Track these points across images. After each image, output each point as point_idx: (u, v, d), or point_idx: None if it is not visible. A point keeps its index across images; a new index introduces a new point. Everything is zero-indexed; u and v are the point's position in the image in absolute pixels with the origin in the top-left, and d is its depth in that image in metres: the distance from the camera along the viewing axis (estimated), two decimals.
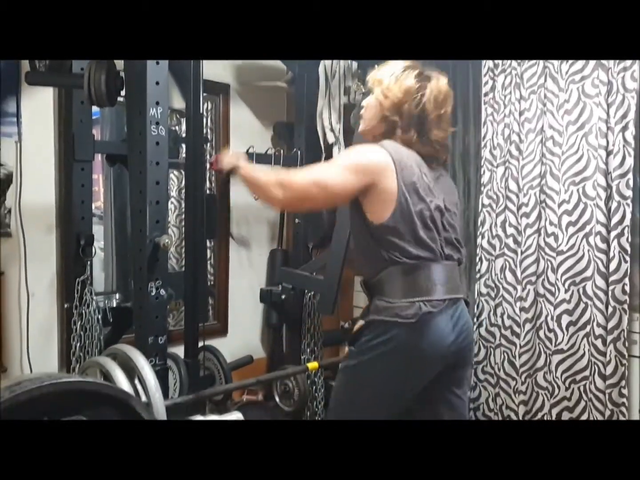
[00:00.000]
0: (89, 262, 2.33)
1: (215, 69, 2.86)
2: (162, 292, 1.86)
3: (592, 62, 2.41)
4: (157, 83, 1.68)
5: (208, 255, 3.22)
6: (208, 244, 3.14)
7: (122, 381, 1.58)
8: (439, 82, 1.70)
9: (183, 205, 3.07)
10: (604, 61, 2.39)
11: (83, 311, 2.30)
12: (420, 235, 1.59)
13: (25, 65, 2.14)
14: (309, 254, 3.10)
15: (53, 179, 2.41)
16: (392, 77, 1.66)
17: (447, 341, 1.59)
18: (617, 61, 2.33)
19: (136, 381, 1.63)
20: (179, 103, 2.70)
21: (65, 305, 2.36)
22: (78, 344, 2.31)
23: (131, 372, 1.65)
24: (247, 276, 3.25)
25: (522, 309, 2.62)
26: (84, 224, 2.32)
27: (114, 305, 2.72)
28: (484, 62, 2.78)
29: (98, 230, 2.80)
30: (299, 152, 2.98)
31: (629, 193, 2.32)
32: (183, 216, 3.09)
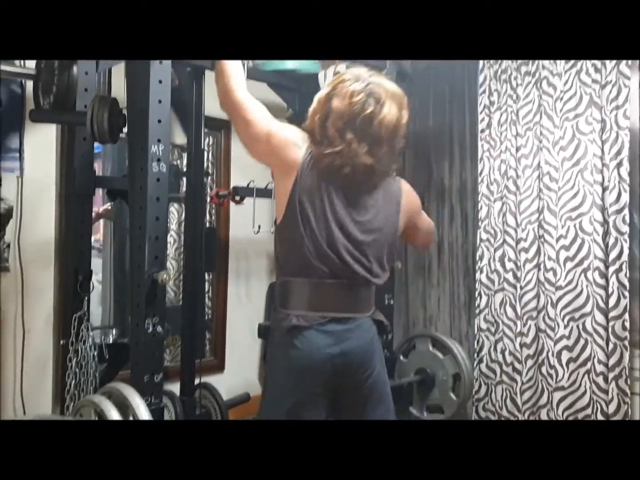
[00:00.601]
0: (86, 298, 2.31)
1: (217, 105, 2.89)
2: (159, 328, 1.84)
3: (585, 100, 2.46)
4: (159, 121, 1.70)
5: (206, 289, 3.21)
6: (207, 277, 3.14)
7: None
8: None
9: (182, 238, 3.07)
10: (596, 99, 2.43)
11: (79, 348, 2.27)
12: (307, 253, 1.56)
13: (29, 101, 2.17)
14: None
15: (53, 214, 2.41)
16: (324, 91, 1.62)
17: (321, 356, 1.56)
18: (610, 100, 2.37)
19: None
20: (180, 138, 2.72)
21: (61, 342, 2.34)
22: (73, 382, 2.27)
23: (126, 411, 1.62)
24: (245, 311, 3.23)
25: (523, 345, 2.61)
26: (82, 259, 2.31)
27: (111, 341, 2.70)
28: (480, 99, 2.83)
29: (97, 263, 2.80)
30: None
31: (625, 229, 2.34)
32: (182, 249, 3.09)
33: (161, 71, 1.69)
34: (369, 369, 1.65)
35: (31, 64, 2.13)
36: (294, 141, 1.59)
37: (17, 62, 2.15)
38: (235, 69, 1.67)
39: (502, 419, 2.67)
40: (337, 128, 1.53)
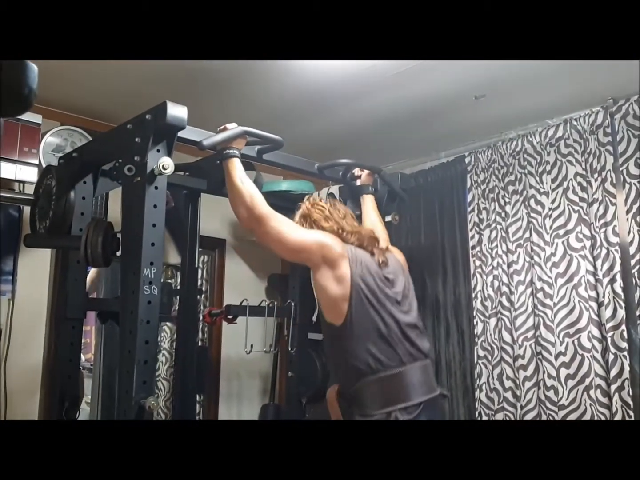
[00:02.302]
0: None
1: (211, 225, 2.96)
2: None
3: (574, 218, 2.51)
4: (153, 244, 1.71)
5: (197, 411, 3.10)
6: (197, 398, 3.04)
7: None
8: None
9: (174, 357, 3.01)
10: (585, 216, 2.48)
11: None
12: (382, 331, 1.61)
13: (25, 225, 2.20)
14: (303, 409, 2.98)
15: (43, 337, 2.38)
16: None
17: None
18: (598, 217, 2.43)
19: None
20: (174, 258, 2.75)
21: None
22: None
23: None
24: None
25: None
26: (69, 383, 2.24)
27: None
28: (469, 217, 2.89)
29: (87, 383, 2.72)
30: (292, 303, 2.98)
31: (624, 345, 2.30)
32: (174, 369, 3.03)
33: (156, 196, 1.73)
34: None
35: (30, 189, 2.19)
36: (334, 237, 1.73)
37: (16, 187, 2.22)
38: (250, 185, 1.72)
39: None
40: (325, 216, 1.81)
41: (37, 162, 2.25)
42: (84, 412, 2.71)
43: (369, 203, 2.29)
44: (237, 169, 1.74)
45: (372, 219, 2.24)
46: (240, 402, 3.17)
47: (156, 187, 1.72)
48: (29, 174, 2.21)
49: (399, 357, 1.61)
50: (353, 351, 1.62)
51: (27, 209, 2.24)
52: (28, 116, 2.20)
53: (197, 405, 3.09)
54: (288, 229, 1.69)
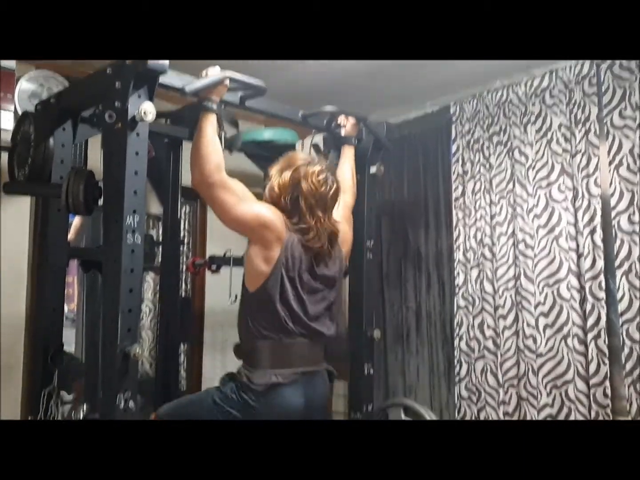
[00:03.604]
0: (56, 372, 2.23)
1: None
2: (132, 404, 1.77)
3: (557, 169, 2.52)
4: (135, 192, 1.68)
5: (181, 360, 3.13)
6: (181, 347, 3.07)
7: None
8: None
9: (158, 307, 3.02)
10: (567, 168, 2.49)
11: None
12: (280, 312, 1.75)
13: (4, 174, 2.15)
14: None
15: (25, 286, 2.36)
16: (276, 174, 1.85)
17: (296, 410, 1.76)
18: (581, 168, 2.44)
19: None
20: (156, 208, 2.72)
21: (29, 418, 2.24)
22: None
23: None
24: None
25: (505, 414, 2.56)
26: (54, 331, 2.24)
27: (81, 417, 2.59)
28: (453, 168, 2.89)
29: (70, 334, 2.72)
30: None
31: (602, 295, 2.35)
32: (157, 319, 3.04)
33: (138, 143, 1.69)
34: (324, 412, 1.94)
35: (7, 136, 2.13)
36: (281, 219, 1.77)
37: None
38: (213, 150, 1.71)
39: None
40: (309, 206, 1.77)
41: (12, 108, 2.18)
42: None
43: (347, 154, 2.30)
44: (209, 126, 1.72)
45: (345, 171, 2.25)
46: (224, 352, 3.19)
47: (138, 134, 1.69)
48: (5, 120, 2.15)
49: (292, 333, 1.78)
50: (254, 317, 1.79)
51: (4, 156, 2.18)
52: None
53: (182, 355, 3.12)
54: (232, 202, 1.73)
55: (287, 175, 1.81)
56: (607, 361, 2.31)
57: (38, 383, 2.23)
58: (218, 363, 3.18)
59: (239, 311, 1.89)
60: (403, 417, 2.51)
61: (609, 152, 2.38)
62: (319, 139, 2.65)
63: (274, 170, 1.87)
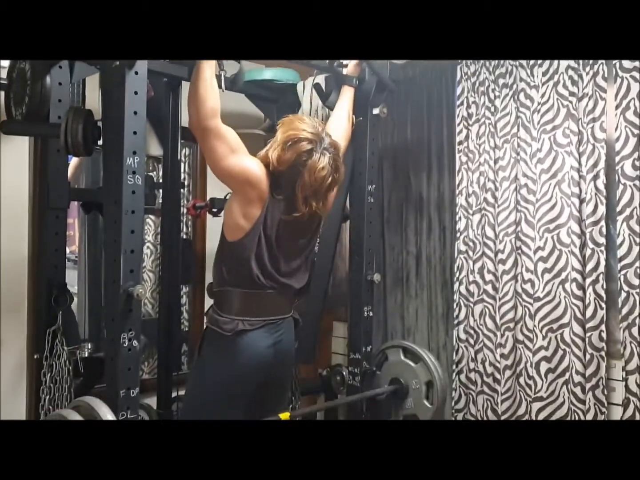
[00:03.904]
0: (60, 312, 2.27)
1: None
2: (135, 343, 1.81)
3: (562, 113, 2.48)
4: (135, 133, 1.67)
5: (183, 301, 3.17)
6: (183, 289, 3.10)
7: None
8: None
9: (159, 250, 3.04)
10: (573, 111, 2.45)
11: (53, 362, 2.23)
12: (254, 268, 1.82)
13: (2, 114, 2.12)
14: None
15: (26, 227, 2.37)
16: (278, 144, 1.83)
17: (262, 354, 1.86)
18: (587, 112, 2.40)
19: None
20: (155, 150, 2.69)
21: (35, 356, 2.29)
22: (47, 397, 2.23)
23: None
24: None
25: (502, 356, 2.61)
26: (57, 272, 2.26)
27: (86, 355, 2.65)
28: (457, 111, 2.84)
29: (72, 275, 2.75)
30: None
31: (602, 240, 2.36)
32: (159, 261, 3.06)
33: (137, 82, 1.67)
34: (291, 361, 2.03)
35: (2, 73, 2.09)
36: (267, 181, 1.81)
37: None
38: (210, 94, 1.69)
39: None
40: (304, 195, 1.81)
41: None
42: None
43: (346, 95, 2.28)
44: (207, 67, 1.71)
45: (341, 112, 2.23)
46: None
47: (136, 72, 1.66)
48: None
49: (263, 286, 1.86)
50: (228, 265, 1.87)
51: (0, 96, 2.15)
52: None
53: (184, 296, 3.16)
54: (222, 153, 1.76)
55: (290, 156, 1.80)
56: (604, 305, 2.34)
57: (43, 323, 2.28)
58: None
59: (215, 255, 1.94)
60: (402, 358, 2.56)
61: (616, 95, 2.33)
62: (320, 79, 2.59)
63: (278, 135, 1.85)
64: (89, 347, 2.81)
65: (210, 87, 1.72)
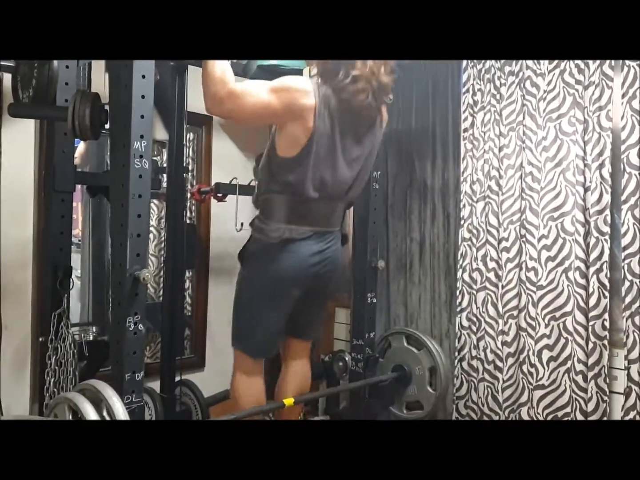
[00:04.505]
0: (65, 295, 2.28)
1: (198, 102, 2.86)
2: (141, 327, 1.82)
3: (568, 101, 2.47)
4: (142, 117, 1.67)
5: (187, 286, 3.18)
6: (187, 274, 3.11)
7: (90, 415, 1.55)
8: None
9: (162, 234, 3.04)
10: (579, 100, 2.45)
11: (58, 345, 2.24)
12: (307, 181, 1.79)
13: (7, 95, 2.12)
14: None
15: (32, 210, 2.37)
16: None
17: (307, 262, 1.87)
18: (593, 100, 2.39)
19: (105, 414, 1.60)
20: (160, 134, 2.68)
21: (40, 339, 2.30)
22: (52, 380, 2.24)
23: (100, 405, 1.62)
24: (225, 308, 3.19)
25: (504, 343, 2.62)
26: (62, 255, 2.27)
27: (90, 338, 2.66)
28: (463, 98, 2.83)
29: (75, 258, 2.75)
30: None
31: (606, 229, 2.36)
32: (162, 245, 3.06)
33: (144, 66, 1.66)
34: (336, 272, 2.02)
35: None
36: (304, 89, 1.74)
37: None
38: (220, 73, 1.68)
39: (484, 416, 2.69)
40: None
41: None
42: (75, 286, 2.76)
43: None
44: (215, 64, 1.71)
45: None
46: (229, 279, 3.23)
47: None
48: None
49: (313, 196, 1.82)
50: (279, 174, 1.83)
51: (6, 77, 2.14)
52: None
53: (187, 281, 3.17)
54: (250, 104, 1.72)
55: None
56: (607, 294, 2.35)
57: (48, 305, 2.28)
58: (224, 289, 3.23)
59: (262, 164, 1.91)
60: (405, 344, 2.58)
61: (622, 84, 2.32)
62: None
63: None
64: (94, 330, 2.82)
65: (220, 66, 1.71)
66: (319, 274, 1.93)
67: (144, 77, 1.66)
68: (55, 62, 1.87)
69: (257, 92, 1.73)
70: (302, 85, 1.76)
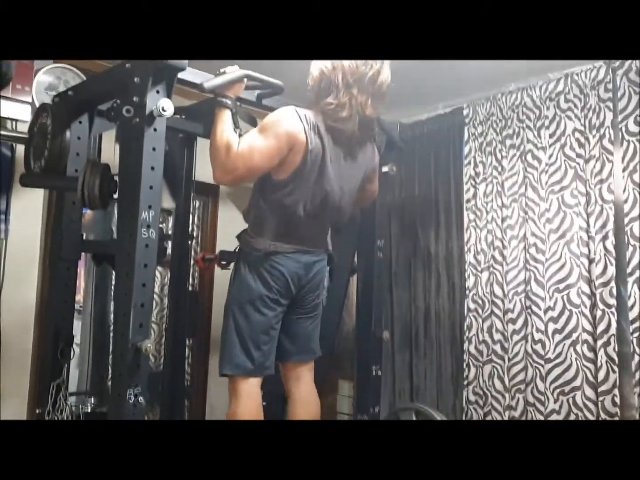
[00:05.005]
0: (65, 365, 2.23)
1: (206, 171, 2.91)
2: (141, 399, 1.77)
3: (570, 174, 2.51)
4: (151, 187, 1.68)
5: (187, 354, 3.14)
6: (187, 342, 3.07)
7: None
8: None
9: (165, 301, 3.02)
10: (580, 173, 2.48)
11: (56, 417, 2.18)
12: (298, 202, 1.81)
13: (19, 164, 2.16)
14: None
15: (36, 277, 2.37)
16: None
17: (291, 275, 1.87)
18: (594, 174, 2.43)
19: None
20: (167, 203, 2.71)
21: (37, 411, 2.24)
22: None
23: None
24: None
25: (511, 419, 2.56)
26: (64, 324, 2.24)
27: (89, 410, 2.60)
28: (465, 170, 2.88)
29: (76, 325, 2.72)
30: None
31: (612, 302, 2.34)
32: (164, 312, 3.04)
33: (155, 139, 1.69)
34: (319, 289, 2.01)
35: (23, 127, 2.13)
36: (290, 116, 1.76)
37: (9, 126, 2.16)
38: (225, 144, 1.72)
39: None
40: (346, 83, 1.74)
41: (30, 100, 2.19)
42: (75, 353, 2.72)
43: None
44: (223, 122, 1.74)
45: None
46: None
47: (155, 129, 1.68)
48: (22, 112, 2.16)
49: (302, 216, 1.84)
50: (270, 194, 1.84)
51: (20, 148, 2.19)
52: None
53: (187, 349, 3.12)
54: (255, 160, 1.74)
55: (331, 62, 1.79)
56: (616, 369, 2.30)
57: (47, 375, 2.23)
58: None
59: (255, 182, 1.92)
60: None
61: (623, 158, 2.37)
62: None
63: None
64: (92, 401, 2.76)
65: (228, 132, 1.74)
66: (304, 287, 1.95)
67: (154, 149, 1.68)
68: (68, 134, 1.90)
69: (257, 143, 1.76)
70: (287, 113, 1.79)
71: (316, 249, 1.96)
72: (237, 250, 2.01)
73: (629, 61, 2.37)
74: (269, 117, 1.80)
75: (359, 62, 1.75)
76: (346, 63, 1.75)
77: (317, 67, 1.80)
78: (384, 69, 1.79)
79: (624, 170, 2.36)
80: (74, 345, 2.45)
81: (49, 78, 2.30)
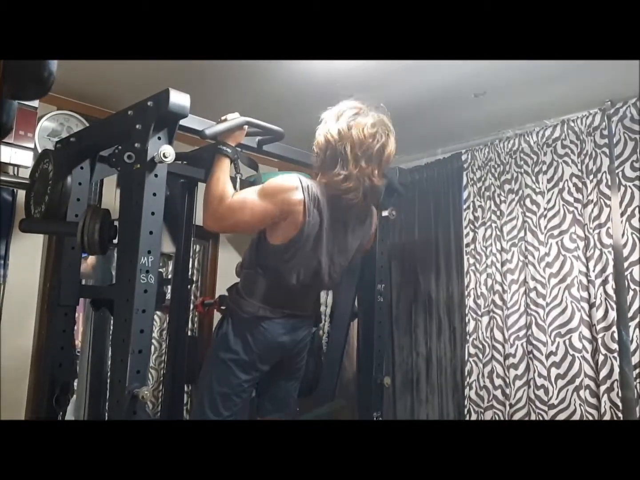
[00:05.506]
0: (60, 413, 2.20)
1: None
2: None
3: (568, 219, 2.52)
4: (151, 232, 1.68)
5: (185, 401, 3.09)
6: (186, 388, 3.03)
7: None
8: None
9: (163, 346, 3.00)
10: (579, 217, 2.49)
11: None
12: (291, 269, 1.80)
13: (20, 209, 2.17)
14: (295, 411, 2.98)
15: (33, 322, 2.35)
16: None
17: (275, 343, 1.85)
18: (592, 218, 2.44)
19: None
20: (167, 247, 2.72)
21: None
22: None
23: None
24: None
25: None
26: (61, 371, 2.21)
27: None
28: (464, 214, 2.90)
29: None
30: None
31: (614, 346, 2.32)
32: (162, 358, 3.01)
33: (156, 184, 1.71)
34: (303, 353, 2.01)
35: (23, 173, 2.15)
36: (293, 185, 1.74)
37: (10, 171, 2.18)
38: (221, 191, 1.73)
39: None
40: (355, 155, 1.72)
41: (32, 146, 2.22)
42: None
43: None
44: (221, 170, 1.75)
45: None
46: None
47: (156, 175, 1.70)
48: (24, 158, 2.18)
49: (294, 283, 1.82)
50: (265, 260, 1.83)
51: (21, 193, 2.21)
52: None
53: (185, 395, 3.08)
54: (246, 216, 1.74)
55: (339, 125, 1.75)
56: (620, 415, 2.27)
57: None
58: None
59: (250, 243, 1.90)
60: None
61: (620, 203, 2.38)
62: None
63: (326, 116, 1.81)
64: None
65: (225, 182, 1.75)
66: (287, 353, 1.94)
67: (154, 194, 1.70)
68: (69, 179, 1.92)
69: (251, 201, 1.75)
70: (290, 182, 1.77)
71: (304, 313, 1.95)
72: (225, 308, 1.99)
73: (624, 108, 2.41)
74: (271, 181, 1.79)
75: (366, 133, 1.73)
76: (354, 133, 1.72)
77: (322, 133, 1.78)
78: (390, 141, 1.78)
79: (622, 214, 2.37)
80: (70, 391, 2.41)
81: (52, 124, 2.34)
